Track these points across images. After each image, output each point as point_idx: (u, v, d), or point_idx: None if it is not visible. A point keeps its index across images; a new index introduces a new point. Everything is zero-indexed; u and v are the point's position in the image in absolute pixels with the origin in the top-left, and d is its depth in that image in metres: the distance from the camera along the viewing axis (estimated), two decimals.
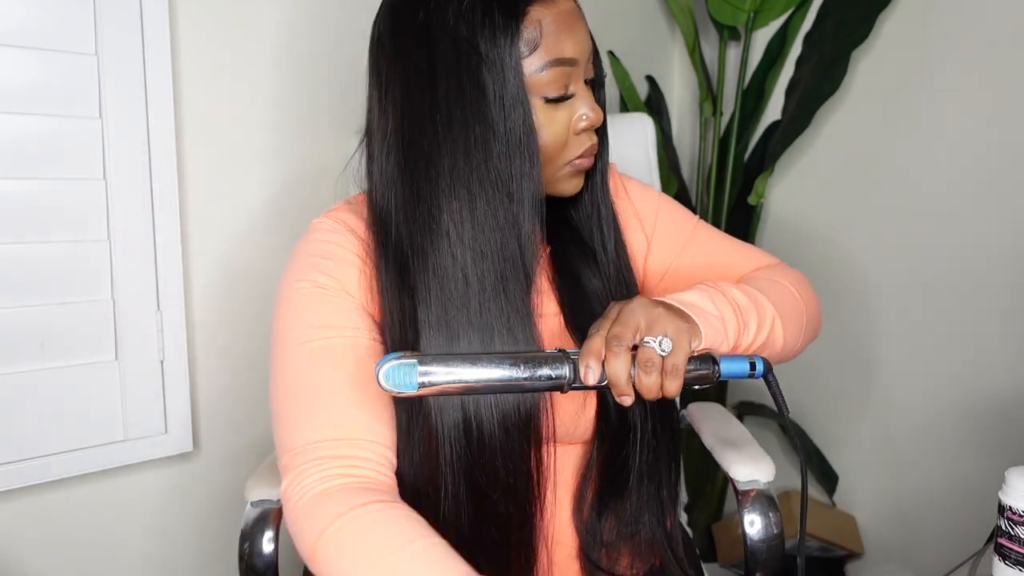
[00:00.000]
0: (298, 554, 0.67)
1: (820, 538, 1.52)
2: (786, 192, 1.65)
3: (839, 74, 1.40)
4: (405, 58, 0.69)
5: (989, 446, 1.37)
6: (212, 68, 1.13)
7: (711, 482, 1.68)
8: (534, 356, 0.61)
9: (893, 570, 1.51)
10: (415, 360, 0.58)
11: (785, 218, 1.66)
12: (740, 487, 0.87)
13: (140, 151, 1.06)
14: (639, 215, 0.84)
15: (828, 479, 1.58)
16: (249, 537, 0.84)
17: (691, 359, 0.62)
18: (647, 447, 0.76)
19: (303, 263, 0.74)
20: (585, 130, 0.72)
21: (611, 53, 1.66)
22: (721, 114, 1.63)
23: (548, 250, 0.80)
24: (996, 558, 0.73)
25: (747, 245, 0.88)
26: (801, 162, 1.61)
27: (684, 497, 1.30)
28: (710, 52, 1.71)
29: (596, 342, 0.60)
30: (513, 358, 0.60)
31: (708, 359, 0.63)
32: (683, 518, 1.17)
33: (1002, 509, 0.72)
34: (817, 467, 1.58)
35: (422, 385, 0.58)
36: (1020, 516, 0.70)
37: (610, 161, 0.83)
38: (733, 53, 1.66)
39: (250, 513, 0.86)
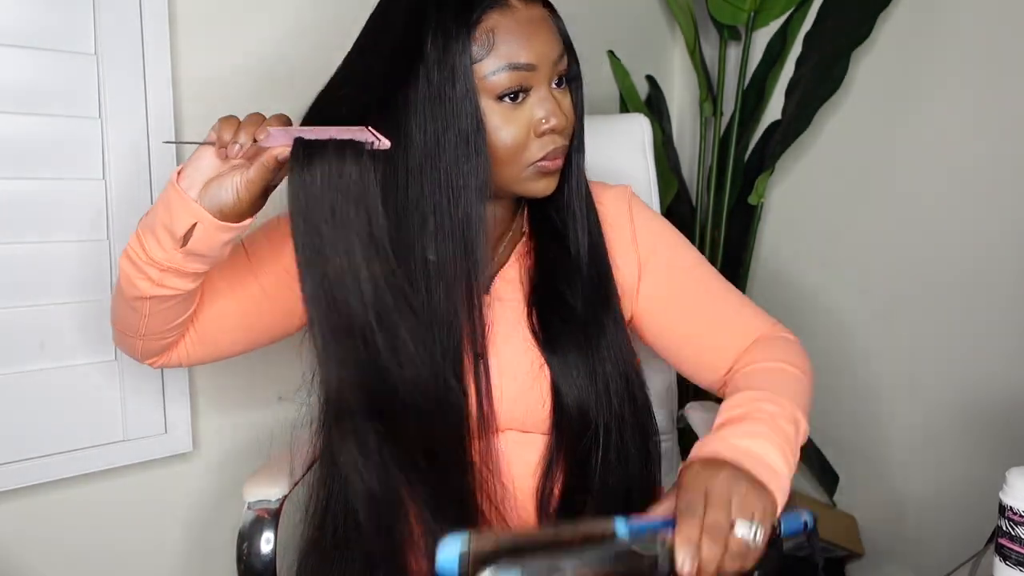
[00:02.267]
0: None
1: (820, 538, 1.52)
2: (786, 192, 1.64)
3: (839, 74, 1.40)
4: (370, 53, 0.73)
5: (989, 446, 1.37)
6: (212, 68, 1.13)
7: None
8: (611, 549, 0.59)
9: (893, 570, 1.51)
10: (515, 570, 0.56)
11: (785, 218, 1.65)
12: None
13: (140, 151, 1.06)
14: (636, 238, 0.85)
15: (828, 479, 1.58)
16: (247, 538, 0.84)
17: None
18: (613, 450, 0.77)
19: None
20: (547, 133, 0.73)
21: (611, 53, 1.66)
22: (721, 114, 1.63)
23: (531, 244, 0.83)
24: (997, 559, 0.73)
25: (744, 301, 0.86)
26: (801, 162, 1.61)
27: None
28: (710, 52, 1.71)
29: (695, 532, 0.58)
30: (599, 553, 0.58)
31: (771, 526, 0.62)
32: None
33: (1003, 509, 0.72)
34: (817, 467, 1.58)
35: None
36: (1021, 516, 0.70)
37: (618, 182, 0.88)
38: (733, 53, 1.66)
39: (248, 514, 0.86)
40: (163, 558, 1.18)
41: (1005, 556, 0.72)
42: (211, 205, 0.68)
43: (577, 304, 0.79)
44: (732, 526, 0.59)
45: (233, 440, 1.21)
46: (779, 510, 0.64)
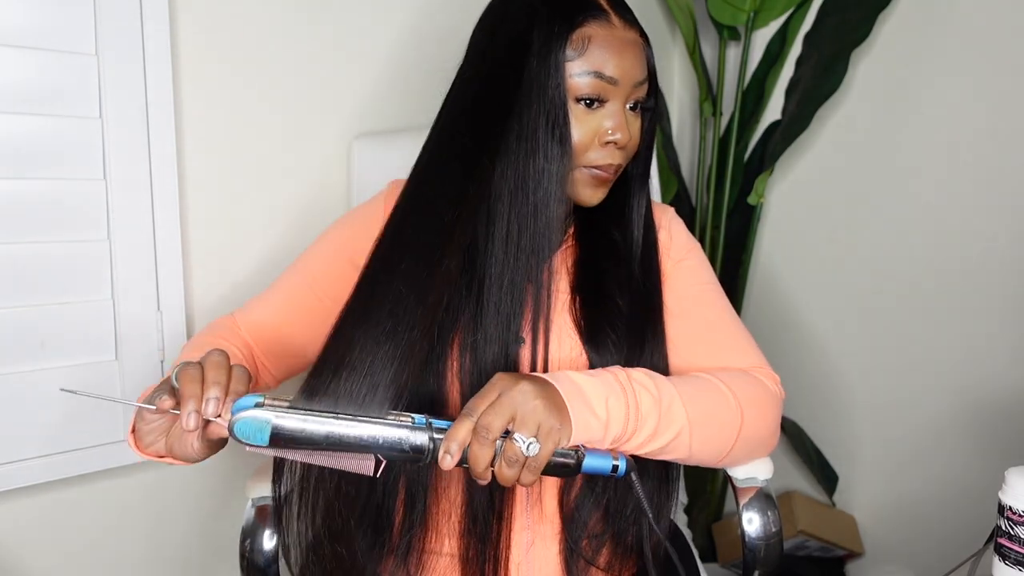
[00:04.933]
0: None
1: (820, 538, 1.52)
2: (786, 192, 1.65)
3: (839, 74, 1.40)
4: (482, 38, 0.81)
5: (989, 446, 1.37)
6: (212, 67, 1.13)
7: (711, 482, 1.68)
8: (398, 426, 0.60)
9: (893, 570, 1.51)
10: (268, 418, 0.59)
11: (785, 218, 1.66)
12: (738, 484, 0.87)
13: (140, 151, 1.06)
14: (668, 251, 0.88)
15: (828, 479, 1.58)
16: (250, 534, 0.84)
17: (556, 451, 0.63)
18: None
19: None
20: (610, 144, 0.77)
21: None
22: (721, 114, 1.63)
23: (576, 245, 0.85)
24: (996, 558, 0.73)
25: (744, 335, 0.86)
26: (801, 162, 1.61)
27: (683, 498, 1.30)
28: (710, 52, 1.71)
29: (463, 430, 0.61)
30: (373, 425, 0.60)
31: (571, 455, 0.64)
32: (682, 519, 1.17)
33: (1002, 509, 0.72)
34: (817, 467, 1.58)
35: (274, 441, 0.59)
36: (1020, 516, 0.70)
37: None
38: (733, 53, 1.66)
39: (251, 511, 0.86)
40: (164, 558, 1.18)
41: (1004, 555, 0.72)
42: (179, 457, 0.68)
43: (624, 308, 0.80)
44: (511, 434, 0.61)
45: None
46: (572, 438, 0.63)
